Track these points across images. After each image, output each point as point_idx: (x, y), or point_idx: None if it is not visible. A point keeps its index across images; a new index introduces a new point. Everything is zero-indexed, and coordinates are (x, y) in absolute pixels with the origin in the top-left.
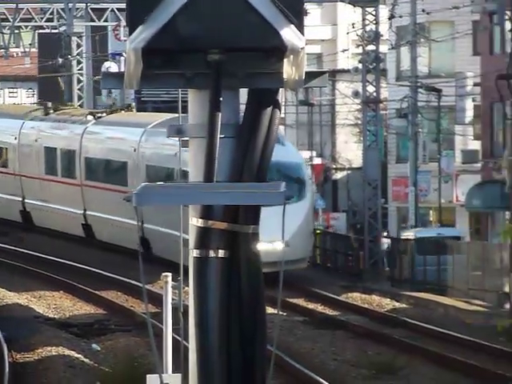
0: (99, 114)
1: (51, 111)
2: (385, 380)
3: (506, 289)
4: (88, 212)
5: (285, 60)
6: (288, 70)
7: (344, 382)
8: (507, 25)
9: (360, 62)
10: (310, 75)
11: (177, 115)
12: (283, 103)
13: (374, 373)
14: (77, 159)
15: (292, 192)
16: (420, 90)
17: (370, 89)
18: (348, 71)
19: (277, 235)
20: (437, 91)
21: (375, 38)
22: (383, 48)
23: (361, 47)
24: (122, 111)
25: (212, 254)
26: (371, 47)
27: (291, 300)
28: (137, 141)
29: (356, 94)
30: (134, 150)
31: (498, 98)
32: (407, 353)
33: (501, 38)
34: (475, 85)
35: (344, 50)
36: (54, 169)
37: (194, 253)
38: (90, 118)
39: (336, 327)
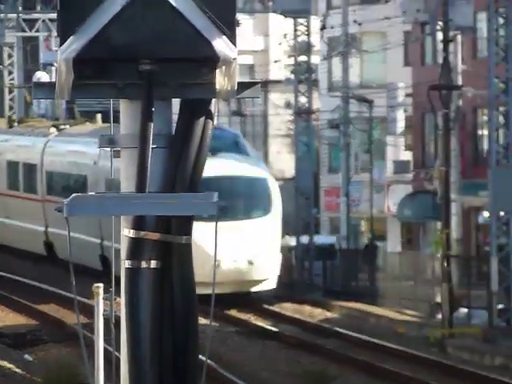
0: (62, 126)
1: (15, 124)
2: None
3: (438, 299)
4: (50, 229)
5: (217, 70)
6: (220, 81)
7: None
8: (439, 35)
9: (292, 72)
10: (243, 86)
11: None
12: (216, 114)
13: (306, 383)
14: (38, 173)
15: (256, 207)
16: (352, 100)
17: (303, 99)
18: (280, 82)
19: (240, 254)
20: (368, 102)
21: (307, 48)
22: (315, 59)
23: (293, 58)
24: (87, 122)
25: (144, 264)
26: (303, 58)
27: (224, 310)
28: (97, 154)
29: (288, 105)
30: (94, 163)
31: (429, 108)
32: (339, 363)
33: (432, 49)
34: (407, 96)
35: (276, 61)
36: (16, 184)
37: (125, 264)
38: (52, 130)
39: (268, 337)
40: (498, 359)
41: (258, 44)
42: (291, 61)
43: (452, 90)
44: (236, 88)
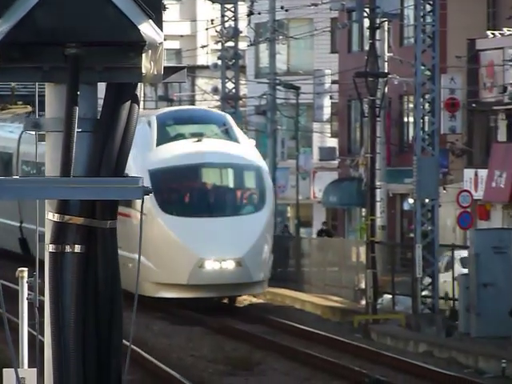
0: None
1: None
2: (241, 376)
3: (363, 285)
4: (24, 225)
5: (143, 55)
6: (146, 65)
7: (201, 378)
8: (365, 22)
9: (219, 58)
10: (169, 70)
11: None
12: (142, 98)
13: (230, 369)
14: (14, 163)
15: (248, 201)
16: (279, 87)
17: (230, 85)
18: (207, 67)
19: (229, 253)
20: (295, 88)
21: (234, 34)
22: (242, 45)
23: (220, 43)
24: (28, 106)
25: (68, 249)
26: (230, 44)
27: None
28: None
29: (215, 90)
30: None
31: (355, 95)
32: (263, 348)
33: (359, 36)
34: (333, 82)
35: (203, 46)
36: None
37: (49, 248)
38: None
39: (193, 323)
40: (421, 346)
41: (184, 29)
42: (218, 46)
43: (378, 78)
44: (162, 72)
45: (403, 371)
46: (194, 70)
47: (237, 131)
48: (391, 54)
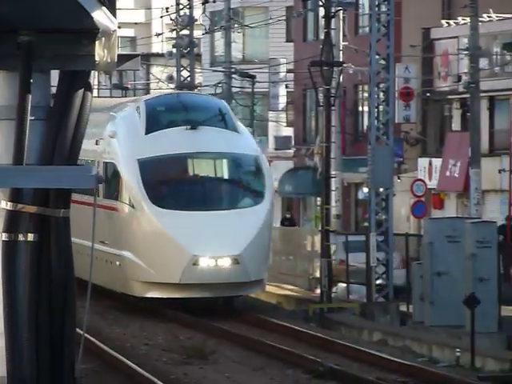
0: None
1: None
2: (195, 365)
3: (318, 274)
4: None
5: (97, 42)
6: (100, 53)
7: (155, 367)
8: (321, 11)
9: (174, 46)
10: (123, 58)
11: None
12: (96, 86)
13: (184, 357)
14: None
15: (246, 193)
16: (234, 75)
17: (185, 73)
18: (162, 55)
19: (225, 249)
20: (251, 77)
21: (189, 22)
22: (197, 33)
23: (175, 32)
24: None
25: (21, 237)
26: (185, 32)
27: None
28: None
29: (170, 79)
30: None
31: (310, 84)
32: (218, 337)
33: (314, 25)
34: (288, 71)
35: (158, 34)
36: None
37: (2, 236)
38: None
39: (147, 312)
40: (376, 334)
41: (139, 17)
42: (173, 34)
43: (333, 67)
44: (116, 60)
45: (357, 360)
46: (148, 58)
47: (233, 119)
48: (346, 43)
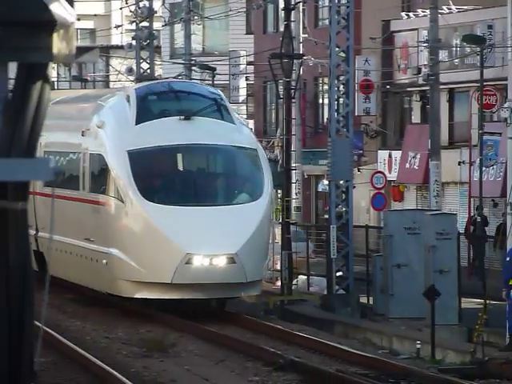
0: None
1: None
2: (155, 358)
3: (278, 266)
4: (41, 234)
5: (55, 34)
6: (58, 45)
7: (115, 360)
8: (280, 3)
9: (134, 38)
10: (82, 50)
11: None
12: (55, 78)
13: (144, 351)
14: None
15: (243, 188)
16: (194, 67)
17: (144, 66)
18: (122, 47)
19: (220, 247)
20: (211, 69)
21: (149, 14)
22: (157, 25)
23: (134, 24)
24: None
25: None
26: (145, 24)
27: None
28: None
29: (130, 71)
30: None
31: (270, 77)
32: (178, 330)
33: (274, 17)
34: (248, 64)
35: (117, 26)
36: None
37: None
38: None
39: (107, 305)
40: (336, 326)
41: (98, 8)
42: (133, 26)
43: (293, 59)
44: (74, 52)
45: (318, 352)
46: (108, 51)
47: (230, 109)
48: (306, 36)
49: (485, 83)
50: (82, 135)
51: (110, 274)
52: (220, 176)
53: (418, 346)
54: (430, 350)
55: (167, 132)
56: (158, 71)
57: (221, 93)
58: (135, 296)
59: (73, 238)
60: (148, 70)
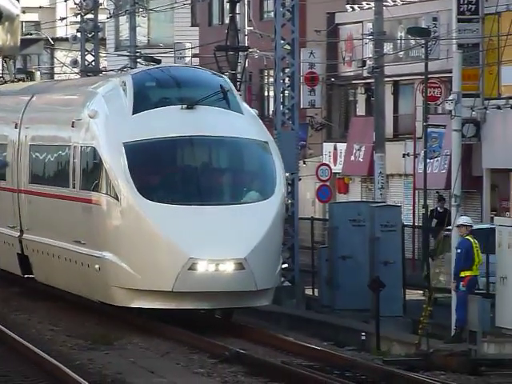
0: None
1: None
2: (100, 350)
3: None
4: (26, 235)
5: (0, 27)
6: (3, 37)
7: (60, 352)
8: None
9: (78, 30)
10: (26, 42)
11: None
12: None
13: (90, 343)
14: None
15: (253, 185)
16: (139, 60)
17: (89, 58)
18: (67, 40)
19: (227, 251)
20: (156, 61)
21: (93, 6)
22: (102, 17)
23: (79, 16)
24: (20, 81)
25: None
26: (90, 16)
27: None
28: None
29: (75, 63)
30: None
31: (216, 69)
32: (124, 323)
33: (219, 10)
34: (194, 56)
35: (62, 19)
36: None
37: None
38: None
39: (53, 299)
40: (282, 319)
41: (43, 1)
42: (78, 19)
43: (238, 51)
44: (19, 44)
45: (263, 344)
46: (53, 43)
47: (237, 98)
48: (251, 28)
49: (429, 76)
50: (72, 126)
51: (102, 280)
52: (227, 171)
53: (363, 337)
54: (375, 341)
55: (168, 122)
56: (103, 63)
57: (227, 79)
58: (131, 305)
59: (61, 241)
60: (93, 63)
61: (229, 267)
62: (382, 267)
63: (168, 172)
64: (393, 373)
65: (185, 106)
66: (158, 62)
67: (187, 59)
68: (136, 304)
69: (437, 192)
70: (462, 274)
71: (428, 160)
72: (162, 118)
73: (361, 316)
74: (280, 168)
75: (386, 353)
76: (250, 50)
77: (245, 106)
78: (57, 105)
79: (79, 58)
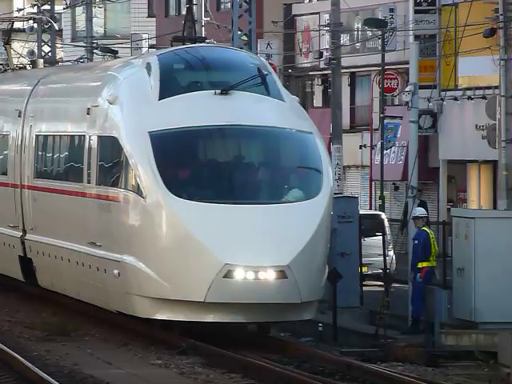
0: None
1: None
2: (59, 341)
3: None
4: (29, 236)
5: None
6: None
7: (17, 343)
8: None
9: (35, 21)
10: None
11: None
12: None
13: (47, 334)
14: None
15: (297, 182)
16: (96, 50)
17: (46, 49)
18: (23, 31)
19: (268, 258)
20: (113, 52)
21: None
22: (59, 8)
23: (36, 7)
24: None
25: None
26: (46, 7)
27: None
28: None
29: (31, 54)
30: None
31: None
32: (82, 314)
33: (176, 0)
34: (150, 47)
35: (19, 10)
36: None
37: None
38: None
39: (9, 289)
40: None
41: None
42: (35, 10)
43: (195, 42)
44: None
45: (221, 335)
46: (9, 34)
47: (278, 82)
48: (208, 19)
49: (386, 67)
50: (87, 114)
51: (122, 288)
52: (267, 166)
53: (320, 328)
54: (332, 332)
55: (199, 109)
56: (60, 54)
57: (265, 61)
58: (155, 317)
59: (72, 242)
60: (49, 53)
61: (269, 275)
62: (339, 258)
63: (200, 165)
64: (350, 363)
65: (218, 91)
66: (115, 52)
67: (144, 50)
68: (161, 316)
69: (393, 183)
70: (420, 265)
71: (385, 151)
72: (192, 104)
73: (318, 307)
74: (327, 162)
75: (343, 344)
76: (207, 40)
77: (285, 91)
78: (67, 90)
79: (36, 49)
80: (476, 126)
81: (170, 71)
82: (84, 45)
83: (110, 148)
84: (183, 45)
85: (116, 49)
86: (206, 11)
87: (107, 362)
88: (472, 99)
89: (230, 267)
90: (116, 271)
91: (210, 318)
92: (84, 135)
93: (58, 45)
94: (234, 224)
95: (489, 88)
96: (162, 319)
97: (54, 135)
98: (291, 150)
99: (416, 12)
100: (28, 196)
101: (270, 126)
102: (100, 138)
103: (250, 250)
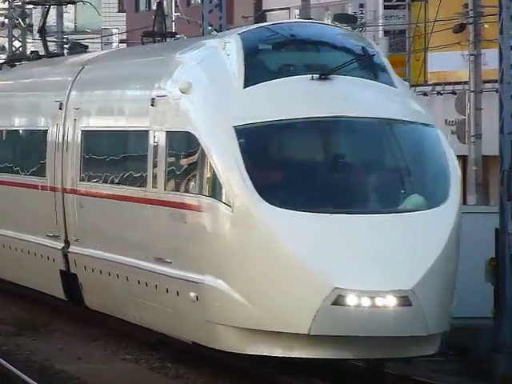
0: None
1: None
2: (28, 336)
3: None
4: (73, 248)
5: None
6: None
7: None
8: None
9: (6, 16)
10: None
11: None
12: None
13: (16, 329)
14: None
15: (419, 187)
16: (66, 45)
17: (17, 44)
18: None
19: (386, 282)
20: (83, 47)
21: None
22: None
23: (7, 2)
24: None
25: None
26: (17, 2)
27: None
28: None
29: (2, 49)
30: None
31: None
32: (52, 310)
33: None
34: (121, 42)
35: None
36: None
37: None
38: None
39: None
40: None
41: None
42: (6, 5)
43: (166, 37)
44: None
45: None
46: None
47: (387, 65)
48: (179, 14)
49: None
50: (152, 105)
51: (201, 314)
52: (382, 167)
53: None
54: None
55: (294, 98)
56: (31, 49)
57: (371, 41)
58: (245, 352)
59: (131, 257)
60: (20, 48)
61: (389, 302)
62: None
63: (298, 166)
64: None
65: (316, 75)
66: (85, 47)
67: (114, 45)
68: (253, 350)
69: None
70: None
71: None
72: (285, 92)
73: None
74: (453, 163)
75: None
76: (178, 35)
77: (396, 76)
78: (122, 78)
79: (7, 44)
80: (446, 121)
81: (255, 53)
82: (54, 40)
83: (184, 146)
84: (153, 40)
85: (86, 44)
86: (176, 6)
87: (78, 357)
88: (441, 94)
89: (341, 292)
90: (193, 294)
91: (315, 353)
92: (147, 130)
93: (28, 40)
94: (344, 239)
95: (458, 83)
96: (257, 354)
97: (105, 130)
98: (411, 147)
99: (386, 7)
100: (72, 201)
101: (384, 117)
102: (169, 133)
103: (365, 271)
